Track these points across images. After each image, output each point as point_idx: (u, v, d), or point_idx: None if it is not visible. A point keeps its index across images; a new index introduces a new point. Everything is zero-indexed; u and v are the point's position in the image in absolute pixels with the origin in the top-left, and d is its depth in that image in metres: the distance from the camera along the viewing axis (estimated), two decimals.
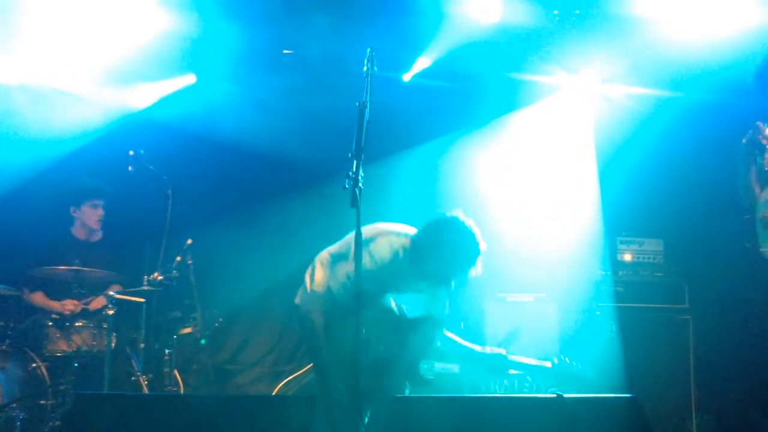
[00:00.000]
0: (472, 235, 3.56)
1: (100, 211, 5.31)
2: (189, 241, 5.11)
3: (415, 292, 3.60)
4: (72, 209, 5.32)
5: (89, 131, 5.65)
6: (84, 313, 4.95)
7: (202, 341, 5.11)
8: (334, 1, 5.04)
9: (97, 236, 5.39)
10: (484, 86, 5.85)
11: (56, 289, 5.06)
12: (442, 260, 3.52)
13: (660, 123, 5.68)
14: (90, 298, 5.02)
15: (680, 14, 5.01)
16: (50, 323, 4.83)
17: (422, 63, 5.71)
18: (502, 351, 3.82)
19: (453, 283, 3.61)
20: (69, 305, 4.94)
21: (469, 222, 3.59)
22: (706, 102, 5.42)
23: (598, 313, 5.36)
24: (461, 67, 5.66)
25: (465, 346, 3.79)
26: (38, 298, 5.10)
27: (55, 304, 5.01)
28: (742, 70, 5.02)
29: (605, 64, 5.72)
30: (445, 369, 5.22)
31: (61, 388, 4.68)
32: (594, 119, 5.97)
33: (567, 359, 3.72)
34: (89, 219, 5.30)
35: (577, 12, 5.21)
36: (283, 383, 5.15)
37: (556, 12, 5.18)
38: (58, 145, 5.55)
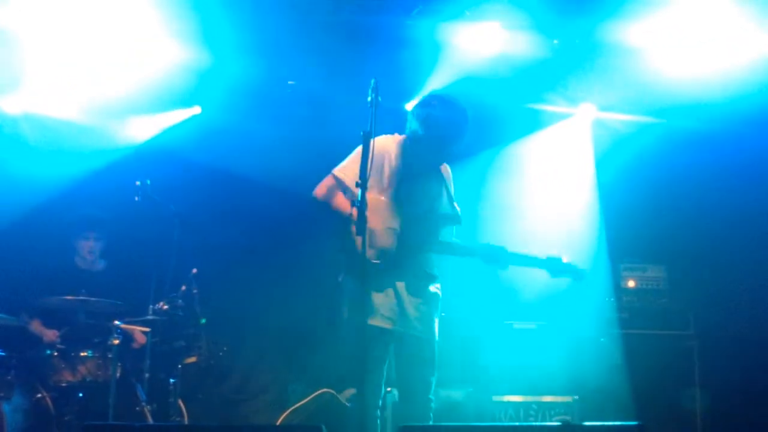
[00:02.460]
0: (455, 98, 3.78)
1: (92, 243, 5.32)
2: (194, 271, 5.12)
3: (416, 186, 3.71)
4: (73, 240, 5.36)
5: (95, 161, 5.71)
6: (88, 343, 4.95)
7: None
8: (338, 33, 5.12)
9: (99, 266, 5.41)
10: (485, 115, 5.91)
11: (56, 318, 5.06)
12: (436, 120, 3.66)
13: (661, 150, 5.74)
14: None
15: (676, 46, 5.09)
16: (55, 353, 4.83)
17: (424, 92, 5.78)
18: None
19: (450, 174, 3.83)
20: (51, 335, 4.95)
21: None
22: (706, 130, 5.47)
23: (602, 339, 5.36)
24: (463, 97, 5.72)
25: (465, 243, 3.85)
26: (35, 326, 5.10)
27: (47, 333, 5.01)
28: (738, 100, 5.09)
29: (604, 93, 5.79)
30: (450, 397, 5.21)
31: (66, 418, 4.66)
32: (594, 147, 6.03)
33: (563, 257, 3.72)
34: (82, 250, 5.33)
35: (577, 42, 5.29)
36: (287, 412, 5.12)
37: (555, 41, 5.25)
38: (64, 175, 5.60)
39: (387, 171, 3.70)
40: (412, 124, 3.77)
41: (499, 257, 3.70)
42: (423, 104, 3.79)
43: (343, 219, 3.53)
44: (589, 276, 3.75)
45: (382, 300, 3.61)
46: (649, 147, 5.81)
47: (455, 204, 3.85)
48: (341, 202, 3.65)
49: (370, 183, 3.24)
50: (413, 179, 3.73)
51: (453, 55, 5.30)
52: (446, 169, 3.93)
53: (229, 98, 5.73)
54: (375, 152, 3.32)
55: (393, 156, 3.74)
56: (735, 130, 5.30)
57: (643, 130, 5.94)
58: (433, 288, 3.76)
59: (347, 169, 3.65)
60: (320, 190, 3.70)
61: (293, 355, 5.95)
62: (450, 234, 3.82)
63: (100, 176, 5.69)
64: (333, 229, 3.64)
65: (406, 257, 3.62)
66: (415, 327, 3.67)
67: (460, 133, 3.74)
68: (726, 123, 5.35)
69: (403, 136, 3.83)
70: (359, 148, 3.38)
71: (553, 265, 3.71)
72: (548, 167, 6.03)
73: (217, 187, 5.88)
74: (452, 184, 3.91)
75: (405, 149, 3.77)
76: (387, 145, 3.74)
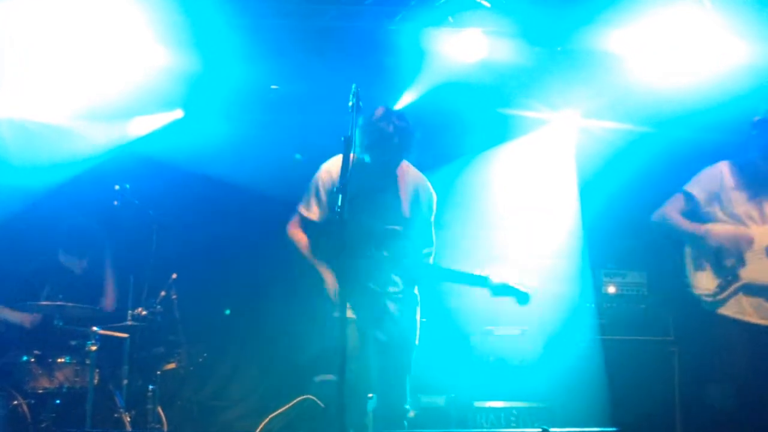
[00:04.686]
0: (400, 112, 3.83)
1: (75, 260, 5.28)
2: (174, 276, 5.09)
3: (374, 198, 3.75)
4: (58, 252, 5.30)
5: (75, 165, 5.66)
6: (66, 349, 4.89)
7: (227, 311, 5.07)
8: (321, 38, 5.11)
9: (82, 265, 5.35)
10: (467, 121, 5.93)
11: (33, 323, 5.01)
12: (375, 127, 3.69)
13: (642, 157, 5.77)
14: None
15: (658, 54, 5.14)
16: (32, 359, 4.77)
17: (407, 98, 5.79)
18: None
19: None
20: (23, 318, 4.94)
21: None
22: (688, 138, 5.52)
23: (582, 345, 5.38)
24: (446, 102, 5.74)
25: (447, 268, 3.89)
26: (5, 313, 5.02)
27: (18, 317, 4.98)
28: (719, 108, 5.15)
29: (586, 100, 5.83)
30: (432, 403, 5.21)
31: (43, 426, 4.60)
32: (576, 154, 6.06)
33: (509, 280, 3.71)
34: (70, 263, 5.27)
35: (559, 49, 5.32)
36: (267, 420, 5.09)
37: (537, 48, 5.28)
38: (43, 179, 5.54)
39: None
40: (362, 140, 3.73)
41: (433, 275, 3.79)
42: (369, 121, 3.75)
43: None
44: (530, 299, 3.75)
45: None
46: (631, 154, 5.85)
47: (430, 219, 3.87)
48: (300, 237, 3.85)
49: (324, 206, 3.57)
50: (365, 195, 3.70)
51: (435, 61, 5.31)
52: (422, 183, 3.92)
53: (211, 102, 5.71)
54: (332, 176, 3.60)
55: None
56: (716, 138, 5.35)
57: (625, 137, 5.98)
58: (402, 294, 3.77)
59: (310, 206, 3.83)
60: (291, 227, 3.89)
61: (273, 361, 5.93)
62: (405, 248, 3.81)
63: (80, 181, 5.64)
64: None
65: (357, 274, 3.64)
66: (388, 331, 3.68)
67: (406, 145, 3.74)
68: (707, 131, 5.40)
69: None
70: (316, 177, 3.76)
71: (496, 289, 3.72)
72: (530, 173, 6.06)
73: (197, 191, 5.85)
74: (427, 201, 3.90)
75: (355, 167, 3.70)
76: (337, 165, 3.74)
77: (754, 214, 4.13)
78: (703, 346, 4.45)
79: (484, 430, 5.11)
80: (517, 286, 3.71)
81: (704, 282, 4.21)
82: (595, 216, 5.88)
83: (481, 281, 3.71)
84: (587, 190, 6.01)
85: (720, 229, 4.17)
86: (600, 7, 4.83)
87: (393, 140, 3.68)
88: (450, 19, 5.00)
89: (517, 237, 5.82)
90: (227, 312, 5.08)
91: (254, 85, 5.67)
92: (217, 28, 5.00)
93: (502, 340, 5.41)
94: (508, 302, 5.38)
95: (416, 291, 3.83)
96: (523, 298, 3.73)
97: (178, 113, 5.92)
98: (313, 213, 3.79)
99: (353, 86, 3.42)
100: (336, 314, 3.28)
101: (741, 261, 4.08)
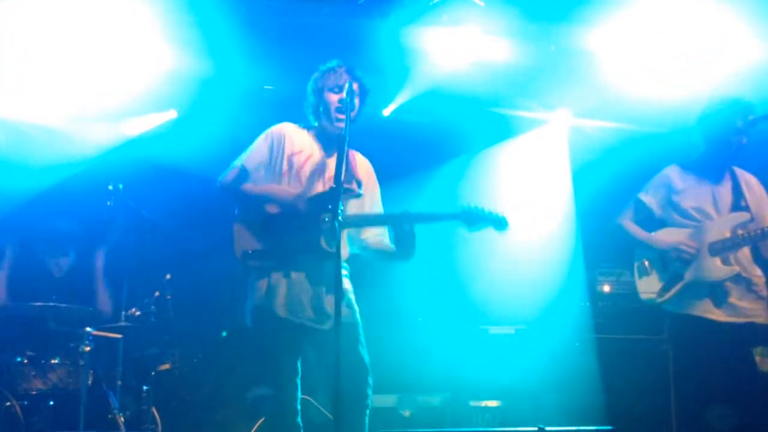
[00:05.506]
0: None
1: (59, 260, 5.24)
2: (168, 276, 5.07)
3: None
4: (41, 254, 5.27)
5: (68, 166, 5.63)
6: (60, 350, 4.87)
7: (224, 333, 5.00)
8: (314, 37, 5.11)
9: (63, 268, 5.32)
10: (462, 120, 5.93)
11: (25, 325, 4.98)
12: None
13: (637, 157, 5.78)
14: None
15: (651, 55, 5.17)
16: (25, 360, 4.74)
17: (402, 98, 5.79)
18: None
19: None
20: None
21: None
22: (681, 138, 5.53)
23: (577, 344, 5.38)
24: (440, 102, 5.74)
25: (363, 214, 3.67)
26: None
27: None
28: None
29: (580, 99, 5.84)
30: (427, 402, 5.20)
31: (36, 427, 4.57)
32: (570, 153, 6.07)
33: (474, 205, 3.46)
34: (53, 268, 5.26)
35: (553, 48, 5.33)
36: (261, 421, 5.07)
37: (530, 48, 5.29)
38: (35, 180, 5.52)
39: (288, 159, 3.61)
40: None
41: (403, 220, 3.45)
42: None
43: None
44: (508, 224, 3.48)
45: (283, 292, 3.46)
46: (624, 153, 5.86)
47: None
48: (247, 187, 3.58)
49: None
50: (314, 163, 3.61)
51: (429, 60, 5.31)
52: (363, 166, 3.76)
53: (204, 102, 5.69)
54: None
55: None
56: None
57: (619, 136, 5.99)
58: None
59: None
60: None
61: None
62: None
63: (74, 182, 5.62)
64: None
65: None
66: (324, 321, 3.44)
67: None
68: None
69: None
70: (262, 136, 3.58)
71: (467, 216, 3.46)
72: (524, 173, 6.06)
73: (191, 191, 5.82)
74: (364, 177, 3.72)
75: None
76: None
77: (708, 209, 4.14)
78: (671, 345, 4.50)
79: (480, 429, 5.11)
80: (491, 212, 3.47)
81: (648, 286, 4.25)
82: (589, 215, 5.89)
83: (453, 214, 3.46)
84: (581, 189, 6.02)
85: (662, 237, 4.22)
86: (593, 6, 4.84)
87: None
88: (444, 17, 5.01)
89: (511, 237, 5.81)
90: (224, 334, 5.06)
91: (248, 85, 5.67)
92: (210, 28, 5.00)
93: (497, 339, 5.41)
94: (502, 302, 5.47)
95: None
96: (500, 222, 3.46)
97: (172, 113, 5.91)
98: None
99: (347, 84, 3.42)
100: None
101: (685, 262, 4.10)
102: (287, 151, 3.60)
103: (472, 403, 5.23)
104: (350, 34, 5.10)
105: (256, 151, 3.63)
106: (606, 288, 5.58)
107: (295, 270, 3.46)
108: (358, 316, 3.56)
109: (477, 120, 5.92)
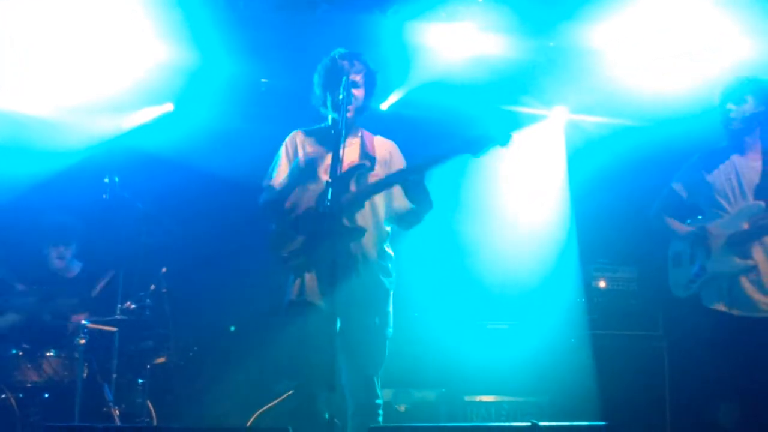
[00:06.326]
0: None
1: (61, 249, 5.22)
2: (164, 269, 5.06)
3: None
4: (43, 247, 5.26)
5: (63, 158, 5.62)
6: (56, 342, 4.87)
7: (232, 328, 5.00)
8: (312, 31, 5.10)
9: (74, 270, 5.32)
10: (460, 116, 5.92)
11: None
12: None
13: (633, 153, 5.79)
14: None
15: (648, 52, 5.17)
16: (20, 353, 4.74)
17: (399, 93, 5.78)
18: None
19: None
20: None
21: None
22: (677, 134, 5.54)
23: (573, 340, 5.39)
24: (438, 97, 5.74)
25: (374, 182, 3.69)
26: None
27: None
28: (709, 107, 5.17)
29: (577, 95, 5.83)
30: (422, 397, 5.21)
31: (31, 419, 4.58)
32: (567, 149, 6.07)
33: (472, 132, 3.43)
34: (53, 260, 5.24)
35: (551, 44, 5.32)
36: (257, 413, 5.08)
37: (530, 43, 5.29)
38: (32, 173, 5.50)
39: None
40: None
41: (407, 173, 3.52)
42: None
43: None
44: (511, 135, 3.39)
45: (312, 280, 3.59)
46: (621, 149, 5.86)
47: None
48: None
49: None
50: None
51: (427, 55, 5.31)
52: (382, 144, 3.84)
53: (201, 95, 5.68)
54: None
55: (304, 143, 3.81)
56: (706, 135, 5.37)
57: (615, 132, 5.99)
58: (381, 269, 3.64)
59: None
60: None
61: (263, 355, 5.91)
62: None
63: (69, 174, 5.61)
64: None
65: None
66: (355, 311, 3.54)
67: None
68: (697, 128, 5.42)
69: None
70: (280, 149, 3.75)
71: (468, 144, 3.43)
72: (521, 169, 6.06)
73: (187, 184, 5.82)
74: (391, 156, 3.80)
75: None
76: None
77: (730, 196, 4.16)
78: (687, 338, 4.53)
79: (475, 424, 5.12)
80: (490, 131, 3.40)
81: (678, 277, 4.34)
82: (585, 211, 5.89)
83: (454, 148, 3.45)
84: (577, 185, 6.03)
85: (688, 229, 4.29)
86: (592, 3, 4.84)
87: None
88: (443, 13, 5.00)
89: (508, 232, 5.83)
90: (232, 329, 5.09)
91: (244, 78, 5.65)
92: (206, 21, 4.99)
93: (493, 335, 5.42)
94: (498, 297, 5.47)
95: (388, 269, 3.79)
96: (504, 138, 3.37)
97: (168, 106, 5.90)
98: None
99: (344, 79, 3.42)
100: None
101: (709, 254, 4.13)
102: (301, 154, 3.76)
103: (467, 398, 5.24)
104: (347, 29, 5.09)
105: (278, 165, 3.81)
106: (601, 284, 5.59)
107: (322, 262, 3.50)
108: (390, 329, 3.71)
109: (473, 116, 5.91)
